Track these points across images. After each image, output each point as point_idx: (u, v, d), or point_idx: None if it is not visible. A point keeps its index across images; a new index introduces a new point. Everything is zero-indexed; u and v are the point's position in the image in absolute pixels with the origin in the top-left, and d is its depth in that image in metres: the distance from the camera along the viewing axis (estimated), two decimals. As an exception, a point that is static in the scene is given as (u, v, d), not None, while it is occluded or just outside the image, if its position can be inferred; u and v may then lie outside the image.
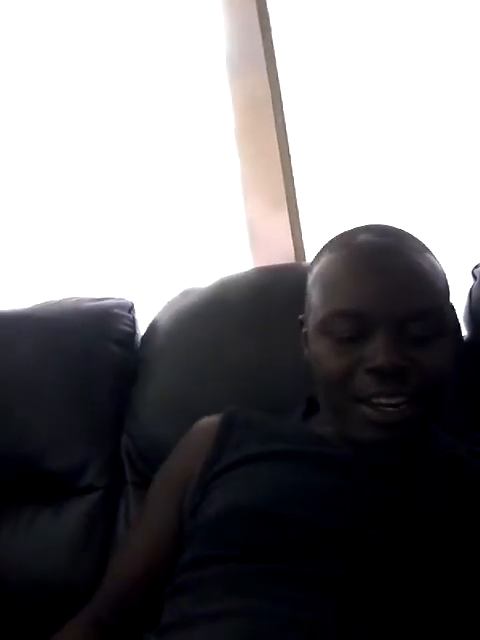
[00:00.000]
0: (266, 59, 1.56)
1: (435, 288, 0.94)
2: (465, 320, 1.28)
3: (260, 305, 1.28)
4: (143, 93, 1.71)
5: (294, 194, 1.58)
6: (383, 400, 0.89)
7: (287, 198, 1.56)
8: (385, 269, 0.92)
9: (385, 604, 0.80)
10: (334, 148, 1.61)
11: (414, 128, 1.58)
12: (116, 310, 1.41)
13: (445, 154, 1.56)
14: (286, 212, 1.55)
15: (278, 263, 1.44)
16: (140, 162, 1.72)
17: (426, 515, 0.88)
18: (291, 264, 1.49)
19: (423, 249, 0.98)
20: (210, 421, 1.07)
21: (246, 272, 1.40)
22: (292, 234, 1.55)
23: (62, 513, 1.26)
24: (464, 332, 1.27)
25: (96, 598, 1.02)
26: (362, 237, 0.97)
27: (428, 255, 0.97)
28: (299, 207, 1.58)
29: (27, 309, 1.42)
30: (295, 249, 1.54)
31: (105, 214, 1.74)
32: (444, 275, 0.99)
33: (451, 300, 1.01)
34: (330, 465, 0.93)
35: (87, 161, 1.74)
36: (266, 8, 1.59)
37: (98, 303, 1.42)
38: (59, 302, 1.43)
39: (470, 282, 1.31)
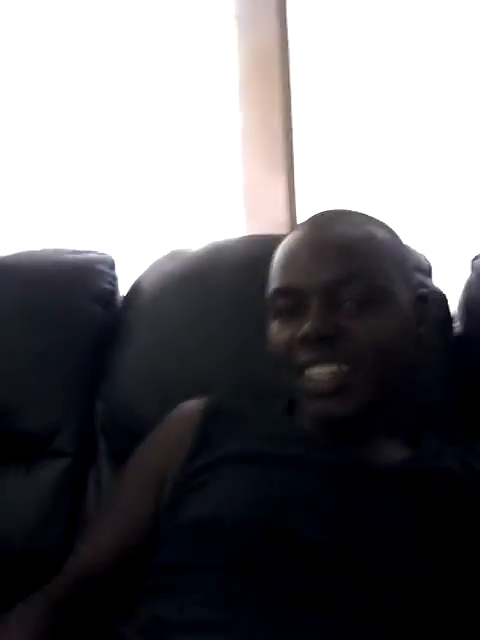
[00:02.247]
0: (277, 13, 1.50)
1: (367, 253, 0.92)
2: (460, 312, 1.25)
3: (250, 277, 1.22)
4: (144, 44, 1.64)
5: (292, 159, 1.54)
6: (315, 369, 0.89)
7: (285, 162, 1.51)
8: (313, 243, 0.94)
9: (373, 616, 0.79)
10: (337, 116, 1.56)
11: (420, 106, 1.54)
12: (98, 265, 1.35)
13: (446, 141, 1.53)
14: (284, 177, 1.50)
15: (271, 230, 1.39)
16: (138, 115, 1.66)
17: (416, 526, 0.86)
18: (284, 236, 1.44)
19: (363, 222, 0.96)
20: (192, 409, 1.03)
21: (238, 240, 1.35)
22: (288, 200, 1.50)
23: (32, 473, 1.22)
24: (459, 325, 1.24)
25: (58, 579, 0.96)
26: (303, 222, 0.99)
27: (368, 227, 0.95)
28: (296, 174, 1.53)
29: (3, 257, 1.35)
30: (290, 216, 1.50)
31: (98, 166, 1.68)
32: (392, 245, 0.96)
33: (407, 272, 0.97)
34: (314, 470, 0.90)
35: (83, 115, 1.67)
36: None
37: (79, 256, 1.36)
38: (39, 252, 1.38)
39: (468, 273, 1.27)
